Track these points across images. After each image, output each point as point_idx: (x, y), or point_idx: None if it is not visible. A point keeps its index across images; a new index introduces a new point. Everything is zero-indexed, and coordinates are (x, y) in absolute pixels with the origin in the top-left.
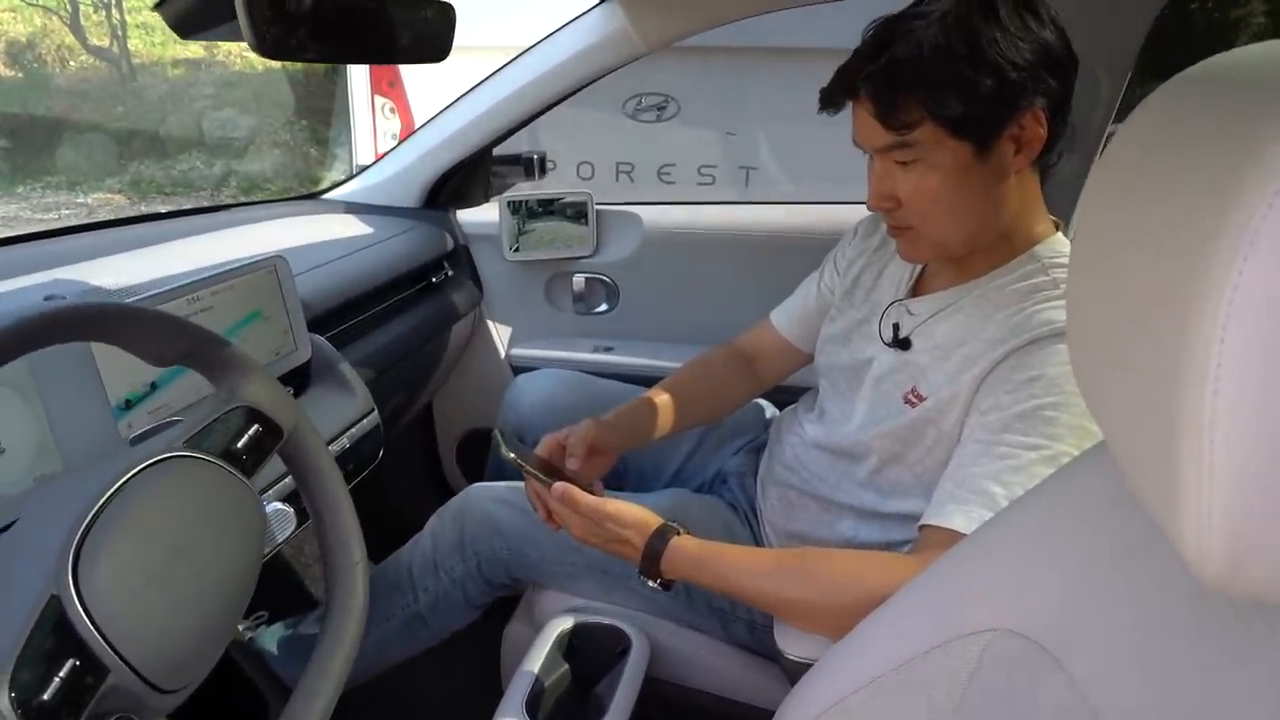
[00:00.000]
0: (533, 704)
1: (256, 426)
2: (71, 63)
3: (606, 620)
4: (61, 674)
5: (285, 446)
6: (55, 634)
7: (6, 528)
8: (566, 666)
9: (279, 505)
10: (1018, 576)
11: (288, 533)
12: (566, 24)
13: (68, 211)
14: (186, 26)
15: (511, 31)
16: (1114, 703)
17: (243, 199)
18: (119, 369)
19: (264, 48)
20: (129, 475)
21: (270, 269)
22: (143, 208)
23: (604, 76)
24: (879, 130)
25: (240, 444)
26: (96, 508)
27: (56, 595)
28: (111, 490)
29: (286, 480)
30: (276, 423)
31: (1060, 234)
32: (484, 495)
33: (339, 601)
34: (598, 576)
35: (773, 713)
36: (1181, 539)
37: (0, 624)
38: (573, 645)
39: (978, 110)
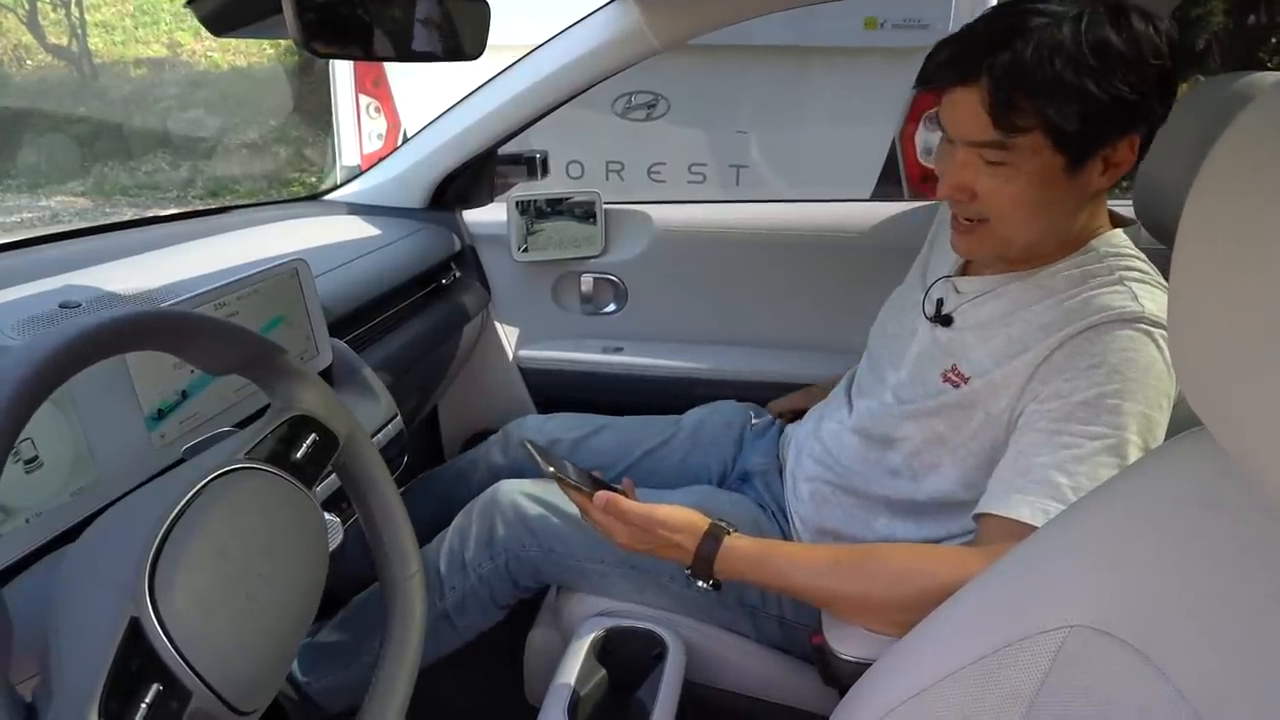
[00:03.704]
0: (571, 711)
1: (314, 436)
2: (29, 62)
3: (641, 624)
4: (147, 699)
5: (340, 456)
6: (138, 658)
7: (51, 545)
8: (604, 672)
9: (326, 515)
10: (1094, 573)
11: (336, 542)
12: (577, 21)
13: (30, 215)
14: (221, 23)
15: (508, 31)
16: (1213, 697)
17: (212, 201)
18: (151, 378)
19: (308, 44)
20: (196, 489)
21: (292, 272)
22: (108, 210)
23: (615, 75)
24: (985, 125)
25: (299, 454)
26: (168, 523)
27: (136, 617)
28: (181, 505)
29: (320, 487)
30: (332, 431)
31: (1119, 230)
32: (513, 489)
33: (400, 614)
34: (627, 574)
35: (805, 712)
36: None
37: (83, 649)
38: (606, 650)
39: (1090, 127)
